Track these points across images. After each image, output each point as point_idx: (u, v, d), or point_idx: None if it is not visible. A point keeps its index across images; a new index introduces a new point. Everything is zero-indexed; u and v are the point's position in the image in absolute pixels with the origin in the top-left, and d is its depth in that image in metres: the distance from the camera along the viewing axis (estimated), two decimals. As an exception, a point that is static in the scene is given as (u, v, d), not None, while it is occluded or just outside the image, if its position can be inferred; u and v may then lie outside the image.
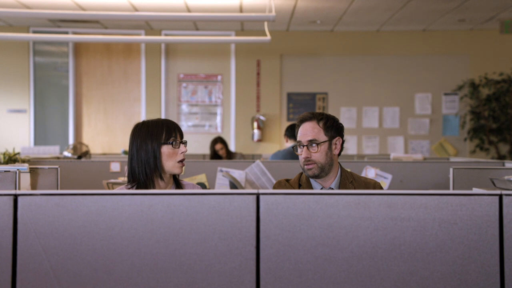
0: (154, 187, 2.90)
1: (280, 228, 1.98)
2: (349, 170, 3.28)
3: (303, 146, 3.11)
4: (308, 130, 3.11)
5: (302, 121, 3.16)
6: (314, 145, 3.09)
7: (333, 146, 3.13)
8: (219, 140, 8.95)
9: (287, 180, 3.25)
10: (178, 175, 3.01)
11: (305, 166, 3.10)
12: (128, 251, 1.96)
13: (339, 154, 3.17)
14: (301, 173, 3.24)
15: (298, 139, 3.14)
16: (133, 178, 2.91)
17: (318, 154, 3.08)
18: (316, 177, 3.12)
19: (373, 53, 11.04)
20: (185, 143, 2.94)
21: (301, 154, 3.11)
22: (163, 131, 2.89)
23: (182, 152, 2.91)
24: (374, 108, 11.08)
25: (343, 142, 3.18)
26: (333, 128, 3.14)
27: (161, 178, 2.90)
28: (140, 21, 10.26)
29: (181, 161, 2.91)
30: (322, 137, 3.10)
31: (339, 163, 3.19)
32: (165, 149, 2.88)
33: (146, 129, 2.90)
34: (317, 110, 11.05)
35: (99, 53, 11.08)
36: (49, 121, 11.02)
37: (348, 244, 1.97)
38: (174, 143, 2.90)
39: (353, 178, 3.18)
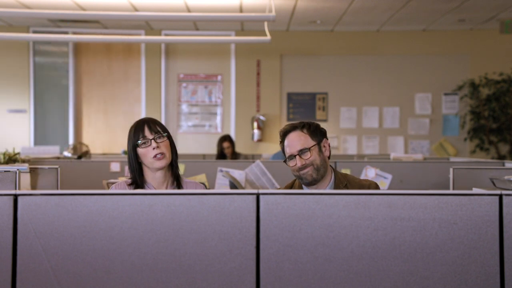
0: (147, 181, 3.02)
1: (280, 228, 1.97)
2: (348, 170, 3.26)
3: (295, 156, 3.05)
4: (295, 141, 3.06)
5: (286, 133, 3.11)
6: (305, 152, 3.04)
7: (323, 148, 3.10)
8: (227, 138, 8.99)
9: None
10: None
11: (301, 172, 3.04)
12: (128, 251, 1.96)
13: (329, 157, 3.14)
14: (294, 181, 3.21)
15: (288, 152, 3.07)
16: (130, 174, 3.08)
17: (312, 158, 3.04)
18: (313, 181, 3.06)
19: (373, 53, 11.04)
20: (157, 137, 2.96)
21: (295, 165, 3.04)
22: (133, 134, 2.99)
23: (154, 148, 2.95)
24: (374, 108, 11.08)
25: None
26: (318, 131, 3.11)
27: (151, 170, 3.01)
28: (140, 21, 10.26)
29: (156, 155, 2.95)
30: (310, 142, 3.06)
31: (331, 166, 3.17)
32: (139, 150, 2.98)
33: (129, 132, 3.04)
34: (317, 110, 11.06)
35: (99, 53, 11.07)
36: (49, 121, 11.02)
37: (348, 244, 1.97)
38: (142, 143, 2.96)
39: (347, 180, 3.13)
